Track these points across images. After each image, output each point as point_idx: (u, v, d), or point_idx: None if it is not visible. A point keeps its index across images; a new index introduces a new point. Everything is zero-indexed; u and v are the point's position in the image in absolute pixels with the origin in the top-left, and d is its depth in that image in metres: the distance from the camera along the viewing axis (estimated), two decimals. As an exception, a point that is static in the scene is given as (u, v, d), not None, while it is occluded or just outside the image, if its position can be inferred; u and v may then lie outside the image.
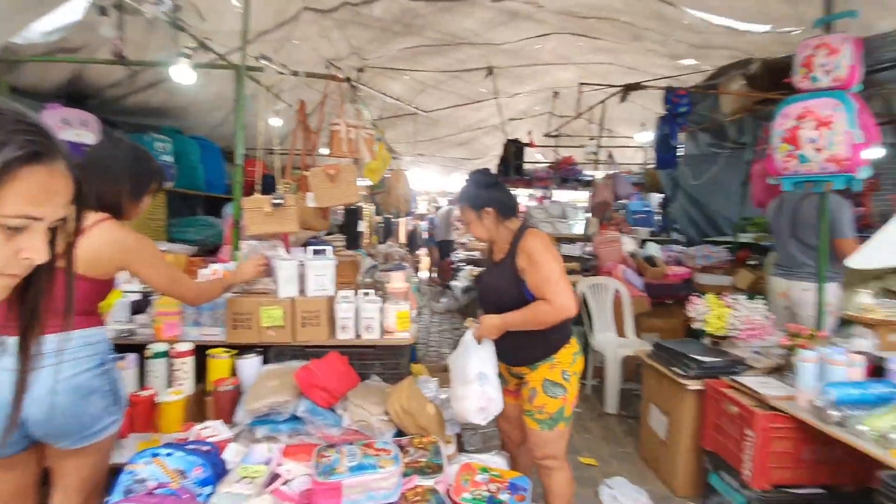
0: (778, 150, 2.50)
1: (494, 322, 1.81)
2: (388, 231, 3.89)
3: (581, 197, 8.17)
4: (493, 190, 1.88)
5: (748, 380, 2.25)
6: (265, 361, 2.04)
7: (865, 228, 4.65)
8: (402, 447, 1.66)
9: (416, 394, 1.83)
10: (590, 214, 5.53)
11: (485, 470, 1.66)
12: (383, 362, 2.08)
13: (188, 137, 3.82)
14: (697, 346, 2.67)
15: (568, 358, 1.84)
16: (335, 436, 1.76)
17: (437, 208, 9.87)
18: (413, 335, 2.12)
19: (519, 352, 1.87)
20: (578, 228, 6.00)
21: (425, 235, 10.11)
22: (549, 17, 3.55)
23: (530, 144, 6.24)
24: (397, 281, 2.11)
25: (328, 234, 4.17)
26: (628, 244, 5.27)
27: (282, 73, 2.52)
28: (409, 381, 1.85)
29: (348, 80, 2.85)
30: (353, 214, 3.22)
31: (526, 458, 2.09)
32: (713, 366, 2.41)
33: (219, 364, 1.98)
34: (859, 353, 2.04)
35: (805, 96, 2.40)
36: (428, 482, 1.51)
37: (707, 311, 2.65)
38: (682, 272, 4.70)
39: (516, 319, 1.78)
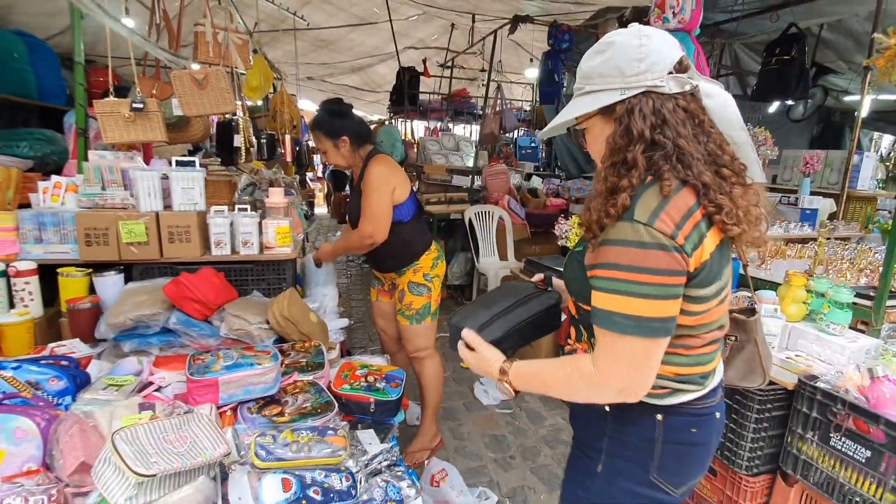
0: (633, 84, 2.79)
1: (327, 248, 2.16)
2: (272, 148, 3.67)
3: (476, 131, 8.35)
4: (346, 119, 1.97)
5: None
6: (129, 280, 1.91)
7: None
8: (283, 351, 1.72)
9: (298, 302, 1.87)
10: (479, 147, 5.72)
11: (364, 366, 1.80)
12: (265, 278, 2.07)
13: (9, 32, 3.14)
14: (560, 260, 3.04)
15: (428, 263, 2.11)
16: (212, 345, 1.75)
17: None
18: (295, 251, 2.12)
19: (387, 261, 2.11)
20: (471, 161, 6.20)
21: (320, 168, 9.67)
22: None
23: (425, 73, 6.14)
24: (276, 196, 2.06)
25: (206, 156, 3.82)
26: (515, 177, 5.61)
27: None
28: (291, 291, 1.88)
29: (212, -27, 2.52)
30: (226, 129, 2.93)
31: (402, 357, 2.33)
32: (571, 275, 2.78)
33: (72, 283, 1.81)
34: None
35: (657, 35, 2.68)
36: (308, 377, 1.60)
37: (569, 230, 3.00)
38: (560, 203, 5.16)
39: (339, 247, 2.13)
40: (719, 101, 0.87)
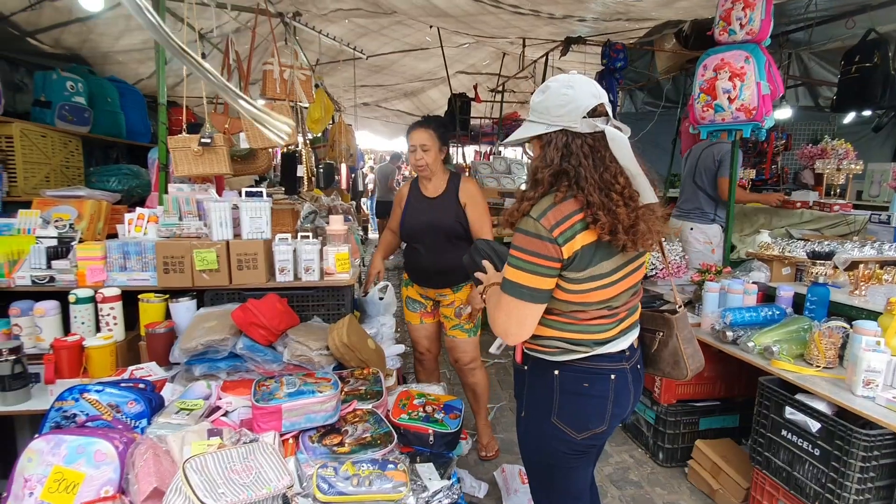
0: (698, 100, 2.66)
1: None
2: (329, 176, 3.84)
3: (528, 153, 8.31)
4: (450, 135, 2.12)
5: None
6: (200, 305, 2.01)
7: (768, 183, 5.10)
8: (342, 378, 1.73)
9: (357, 329, 1.88)
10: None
11: (422, 395, 1.77)
12: (324, 303, 2.11)
13: (104, 79, 3.50)
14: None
15: None
16: (275, 371, 1.79)
17: (373, 168, 9.70)
18: (353, 277, 2.15)
19: (445, 277, 2.22)
20: (523, 184, 6.15)
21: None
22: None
23: (476, 99, 6.21)
24: (336, 223, 2.11)
25: (269, 185, 4.03)
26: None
27: (205, 4, 2.35)
28: (350, 318, 1.90)
29: (280, 15, 2.69)
30: (290, 160, 3.11)
31: (435, 375, 2.52)
32: (634, 301, 2.65)
33: (151, 308, 1.93)
34: (755, 283, 2.31)
35: (722, 49, 2.55)
36: (367, 405, 1.59)
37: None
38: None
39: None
40: (622, 142, 1.09)
